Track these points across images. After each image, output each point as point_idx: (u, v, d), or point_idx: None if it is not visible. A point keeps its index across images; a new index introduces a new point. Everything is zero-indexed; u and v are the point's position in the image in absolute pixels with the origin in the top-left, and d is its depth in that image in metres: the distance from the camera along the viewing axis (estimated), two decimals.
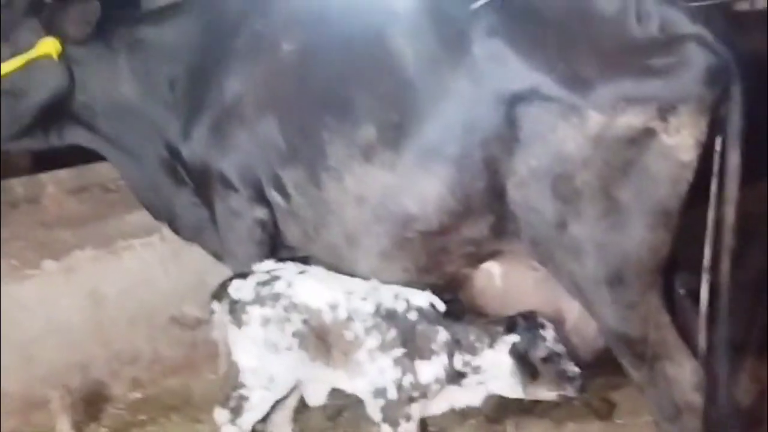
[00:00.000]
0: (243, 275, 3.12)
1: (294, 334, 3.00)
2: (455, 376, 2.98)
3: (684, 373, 2.80)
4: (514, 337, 2.92)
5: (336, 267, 3.19)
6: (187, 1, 3.60)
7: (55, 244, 4.05)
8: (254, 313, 3.02)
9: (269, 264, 3.17)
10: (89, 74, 3.47)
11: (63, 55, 3.37)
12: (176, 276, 4.11)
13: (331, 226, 3.13)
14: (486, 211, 2.85)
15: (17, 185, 4.41)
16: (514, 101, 2.71)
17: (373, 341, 2.97)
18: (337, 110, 3.02)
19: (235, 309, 3.05)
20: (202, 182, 3.39)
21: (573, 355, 2.98)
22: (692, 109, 2.57)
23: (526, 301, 3.05)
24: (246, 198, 3.27)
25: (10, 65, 3.30)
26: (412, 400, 2.98)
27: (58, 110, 3.47)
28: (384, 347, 2.96)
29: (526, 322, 2.95)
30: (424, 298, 3.01)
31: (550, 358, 2.91)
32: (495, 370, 2.95)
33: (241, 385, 3.05)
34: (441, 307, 2.99)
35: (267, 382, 3.04)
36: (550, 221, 2.76)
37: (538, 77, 2.67)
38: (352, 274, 3.15)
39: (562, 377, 2.92)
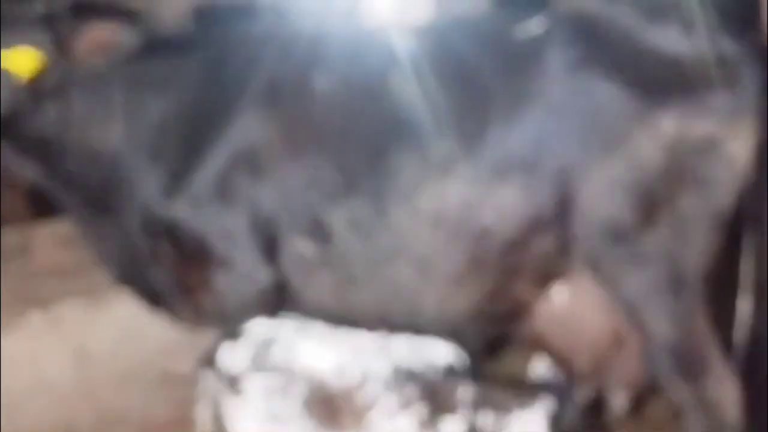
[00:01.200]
0: (232, 336, 2.96)
1: (302, 404, 2.85)
2: None
3: (726, 390, 2.82)
4: (550, 401, 2.87)
5: (385, 312, 3.04)
6: (189, 37, 3.42)
7: (42, 293, 3.97)
8: (254, 383, 2.87)
9: (261, 323, 2.98)
10: (70, 109, 3.12)
11: (39, 78, 3.00)
12: (168, 329, 3.82)
13: (395, 259, 2.96)
14: (556, 222, 2.82)
15: (8, 234, 4.32)
16: (591, 110, 2.74)
17: (390, 401, 2.83)
18: (407, 130, 2.91)
19: (232, 379, 2.90)
20: (197, 243, 3.14)
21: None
22: (753, 119, 2.69)
23: (587, 328, 3.01)
24: (256, 259, 3.07)
25: None
26: None
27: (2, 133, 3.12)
28: (403, 406, 2.82)
29: (552, 381, 2.95)
30: (444, 352, 2.92)
31: (579, 414, 2.94)
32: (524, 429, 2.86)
33: None
34: (463, 361, 2.91)
35: None
36: (619, 231, 2.76)
37: (614, 85, 2.72)
38: (409, 315, 3.02)
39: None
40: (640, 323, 2.86)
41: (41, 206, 4.22)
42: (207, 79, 3.18)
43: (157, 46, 3.24)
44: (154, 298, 3.35)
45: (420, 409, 2.83)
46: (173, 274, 3.21)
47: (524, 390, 2.90)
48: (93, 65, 3.03)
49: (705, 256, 2.80)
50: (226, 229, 3.07)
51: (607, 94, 2.73)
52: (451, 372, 2.90)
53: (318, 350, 2.91)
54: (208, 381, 2.93)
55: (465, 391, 2.85)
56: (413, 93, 2.91)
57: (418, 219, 2.90)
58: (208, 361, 2.95)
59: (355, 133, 3.00)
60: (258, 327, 2.96)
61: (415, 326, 3.08)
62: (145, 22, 3.05)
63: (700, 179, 2.73)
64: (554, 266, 2.92)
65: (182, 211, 3.10)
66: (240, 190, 3.04)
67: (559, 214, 2.81)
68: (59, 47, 2.99)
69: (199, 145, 3.09)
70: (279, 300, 3.09)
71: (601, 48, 2.78)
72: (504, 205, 2.82)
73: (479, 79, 2.89)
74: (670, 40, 2.75)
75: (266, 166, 3.03)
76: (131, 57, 3.10)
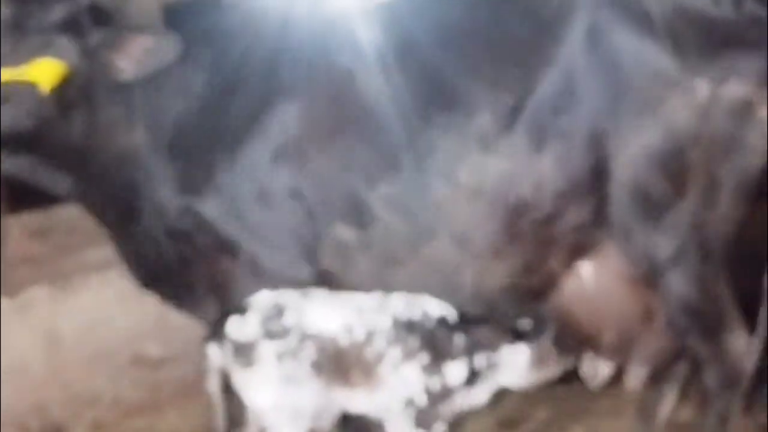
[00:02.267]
0: (239, 311, 2.92)
1: (312, 365, 2.85)
2: (474, 376, 2.95)
3: (740, 343, 2.95)
4: (526, 325, 2.97)
5: (423, 291, 3.00)
6: (198, 33, 3.18)
7: (12, 280, 3.93)
8: (266, 349, 2.84)
9: (266, 295, 2.96)
10: (93, 116, 3.03)
11: (63, 88, 2.90)
12: (136, 313, 3.99)
13: (435, 236, 2.94)
14: (591, 192, 2.82)
15: None
16: (623, 74, 2.72)
17: (395, 353, 2.88)
18: (445, 104, 2.88)
19: (243, 349, 2.85)
20: (229, 241, 3.07)
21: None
22: None
23: (614, 304, 3.05)
24: (295, 254, 3.02)
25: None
26: (441, 402, 2.93)
27: (31, 147, 3.02)
28: (407, 356, 2.87)
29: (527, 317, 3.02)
30: (436, 306, 2.95)
31: (557, 338, 2.99)
32: (511, 363, 2.97)
33: (263, 430, 2.86)
34: (452, 312, 2.96)
35: (292, 417, 2.85)
36: (651, 198, 2.79)
37: (647, 47, 2.70)
38: (447, 293, 3.00)
39: (565, 352, 3.02)
40: (666, 287, 2.90)
41: (13, 199, 4.22)
42: (225, 73, 3.08)
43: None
44: (180, 299, 3.31)
45: (422, 358, 2.89)
46: (203, 273, 3.14)
47: (506, 326, 2.98)
48: (114, 76, 2.93)
49: (731, 223, 2.83)
50: (263, 226, 3.01)
51: (640, 58, 2.71)
52: (444, 321, 2.94)
53: (325, 312, 2.90)
54: (216, 354, 2.90)
55: (459, 338, 2.92)
56: (447, 67, 2.90)
57: (459, 194, 2.89)
58: (214, 334, 2.91)
59: (391, 111, 2.92)
60: (264, 297, 2.95)
61: (452, 304, 3.06)
62: (115, 18, 2.94)
63: (732, 144, 2.72)
64: (587, 238, 2.92)
65: (216, 209, 3.02)
66: (279, 185, 2.98)
67: (594, 183, 2.81)
68: (90, 57, 2.91)
69: (229, 141, 3.01)
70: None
71: (632, 10, 2.74)
72: (541, 176, 2.81)
73: (509, 47, 2.86)
74: (701, 2, 2.74)
75: (303, 156, 2.97)
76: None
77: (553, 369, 3.05)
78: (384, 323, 2.90)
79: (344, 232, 2.98)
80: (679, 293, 2.91)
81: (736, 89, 2.67)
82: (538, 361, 2.98)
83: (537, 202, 2.83)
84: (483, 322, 3.00)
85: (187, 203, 3.04)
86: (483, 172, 2.86)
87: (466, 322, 2.97)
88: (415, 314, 2.94)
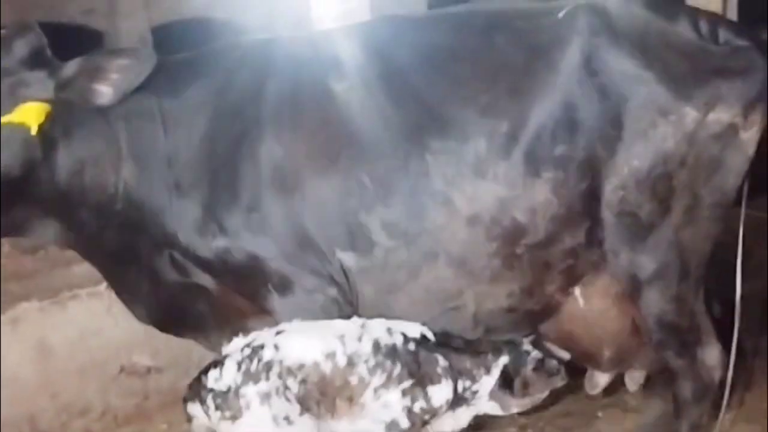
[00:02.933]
0: (214, 364, 2.87)
1: (299, 400, 2.80)
2: (457, 402, 2.98)
3: (713, 356, 3.10)
4: (504, 359, 3.01)
5: (423, 317, 3.04)
6: (189, 64, 3.19)
7: (3, 295, 3.96)
8: (250, 393, 2.77)
9: (238, 341, 2.91)
10: (77, 153, 2.94)
11: (45, 128, 2.84)
12: (124, 325, 4.00)
13: (434, 260, 2.95)
14: (584, 216, 2.91)
15: None
16: (617, 100, 2.80)
17: (378, 380, 2.86)
18: (439, 129, 2.88)
19: (226, 400, 2.77)
20: (247, 276, 3.01)
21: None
22: (764, 107, 2.80)
23: (610, 323, 3.15)
24: (313, 279, 2.98)
25: None
26: (424, 423, 2.95)
27: (20, 196, 2.90)
28: (390, 383, 2.87)
29: (507, 344, 3.06)
30: (415, 330, 2.96)
31: (537, 366, 3.05)
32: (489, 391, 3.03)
33: None
34: (431, 336, 2.98)
35: None
36: (638, 219, 2.89)
37: (640, 76, 2.78)
38: (447, 318, 3.06)
39: (551, 375, 3.07)
40: (645, 304, 3.01)
41: None
42: (216, 104, 3.03)
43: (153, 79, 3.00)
44: (191, 332, 3.29)
45: (404, 382, 2.87)
46: (217, 304, 3.11)
47: (486, 357, 3.02)
48: (95, 102, 2.88)
49: (708, 242, 2.96)
50: (278, 253, 2.95)
51: (634, 86, 2.78)
52: (424, 344, 2.94)
53: (304, 341, 2.85)
54: (198, 413, 2.84)
55: (443, 361, 2.93)
56: (441, 92, 2.92)
57: (455, 220, 2.90)
58: (195, 394, 2.85)
59: (384, 136, 2.93)
60: (237, 343, 2.90)
61: (453, 328, 3.11)
62: (105, 41, 3.02)
63: (714, 165, 2.81)
64: (582, 261, 2.99)
65: (229, 241, 2.96)
66: (279, 213, 2.94)
67: (587, 208, 2.88)
68: (65, 87, 2.85)
69: (228, 174, 2.96)
70: (346, 307, 3.04)
71: (626, 39, 2.81)
72: (537, 201, 2.86)
73: (503, 73, 2.89)
74: (687, 33, 2.84)
75: (299, 184, 2.93)
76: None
77: (538, 394, 3.09)
78: (365, 349, 2.86)
79: (345, 260, 2.97)
80: (657, 310, 3.02)
81: (721, 115, 2.78)
82: (521, 391, 3.03)
83: (532, 228, 2.89)
84: (463, 352, 3.02)
85: (204, 236, 2.98)
86: (479, 198, 2.87)
87: (446, 349, 2.99)
88: (396, 339, 2.91)
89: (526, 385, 3.04)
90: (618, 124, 2.79)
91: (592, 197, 2.87)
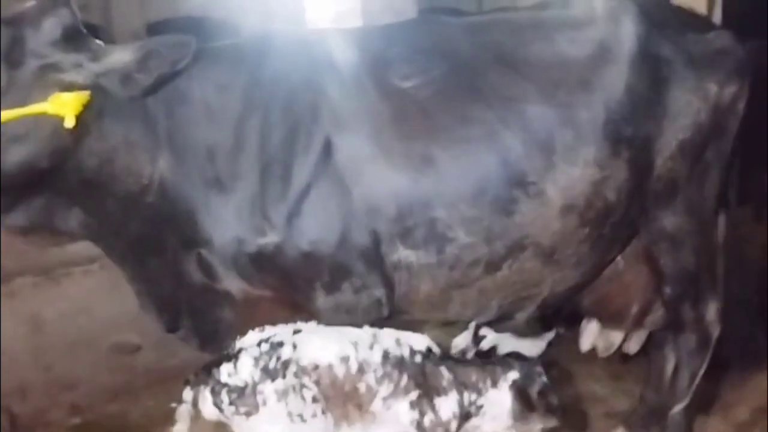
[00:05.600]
0: (227, 358, 2.79)
1: (314, 399, 2.75)
2: (464, 415, 2.92)
3: (713, 311, 3.40)
4: (514, 374, 2.94)
5: (493, 303, 3.09)
6: (231, 53, 3.06)
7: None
8: (267, 390, 2.71)
9: (254, 335, 2.83)
10: (110, 140, 2.74)
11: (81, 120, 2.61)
12: (116, 303, 4.06)
13: (519, 253, 2.96)
14: (643, 188, 3.14)
15: None
16: (661, 82, 3.08)
17: (385, 390, 2.82)
18: (521, 125, 2.91)
19: (243, 396, 2.71)
20: (294, 275, 2.88)
21: None
22: (749, 80, 3.20)
23: (637, 282, 3.38)
24: (365, 276, 2.89)
25: (9, 114, 2.51)
26: None
27: (46, 185, 2.73)
28: (397, 394, 2.82)
29: (518, 360, 3.01)
30: (422, 342, 2.94)
31: (543, 391, 2.97)
32: (496, 409, 2.95)
33: None
34: (437, 349, 2.97)
35: None
36: (675, 184, 3.16)
37: (674, 60, 3.10)
38: (511, 306, 3.13)
39: (551, 409, 2.98)
40: (671, 258, 3.28)
41: None
42: (265, 95, 2.88)
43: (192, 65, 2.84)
44: (207, 336, 3.11)
45: (411, 394, 2.83)
46: (238, 312, 2.97)
47: (494, 369, 2.95)
48: (133, 93, 2.70)
49: (717, 199, 3.29)
50: (332, 250, 2.84)
51: (671, 70, 3.08)
52: (430, 356, 2.90)
53: (321, 342, 2.80)
54: (207, 403, 2.76)
55: (447, 373, 2.88)
56: (518, 90, 2.96)
57: (548, 210, 2.93)
58: (200, 383, 2.77)
59: (462, 134, 2.89)
60: (253, 338, 2.82)
61: (511, 313, 3.22)
62: (101, 36, 2.95)
63: (722, 131, 3.18)
64: (635, 229, 3.25)
65: (279, 238, 2.81)
66: (337, 208, 2.83)
67: (645, 181, 3.13)
68: (103, 73, 2.67)
69: (280, 167, 2.82)
70: (385, 309, 2.98)
71: (660, 31, 3.11)
72: (621, 180, 3.02)
73: (572, 68, 3.01)
74: (695, 31, 3.21)
75: (362, 179, 2.84)
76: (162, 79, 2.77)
77: (536, 424, 2.99)
78: (375, 358, 2.82)
79: (407, 255, 2.91)
80: (682, 262, 3.29)
81: (731, 88, 3.15)
82: (521, 412, 2.94)
83: (618, 205, 3.07)
84: (469, 365, 2.99)
85: (256, 234, 2.82)
86: (572, 185, 2.95)
87: (451, 362, 2.97)
88: (404, 351, 2.87)
89: (531, 408, 2.93)
90: (663, 103, 3.09)
91: (648, 170, 3.12)
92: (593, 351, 4.17)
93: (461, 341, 3.85)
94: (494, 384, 2.93)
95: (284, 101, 2.87)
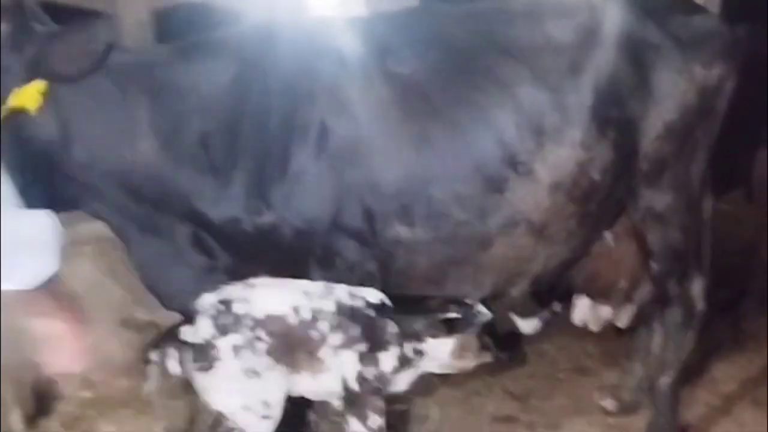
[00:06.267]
0: (188, 321, 2.90)
1: (268, 353, 2.86)
2: (404, 364, 3.05)
3: (698, 288, 3.59)
4: (453, 316, 3.07)
5: (488, 279, 3.22)
6: (223, 39, 3.18)
7: None
8: (222, 345, 2.81)
9: (209, 296, 2.91)
10: (92, 125, 2.89)
11: (50, 103, 2.77)
12: (126, 281, 4.18)
13: (512, 229, 3.10)
14: (629, 167, 3.28)
15: None
16: (647, 65, 3.20)
17: (337, 338, 2.93)
18: (514, 105, 3.05)
19: (201, 351, 2.82)
20: (290, 252, 2.99)
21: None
22: (736, 62, 3.34)
23: (625, 258, 3.57)
24: (357, 251, 3.00)
25: None
26: (377, 391, 2.99)
27: (47, 172, 2.90)
28: (347, 343, 2.93)
29: (458, 305, 3.12)
30: (376, 295, 3.02)
31: (481, 332, 3.12)
32: (435, 352, 3.09)
33: (237, 429, 2.87)
34: (389, 302, 3.04)
35: (263, 410, 2.86)
36: (664, 164, 3.30)
37: (661, 44, 3.22)
38: (506, 281, 3.27)
39: (486, 347, 3.15)
40: (659, 235, 3.42)
41: None
42: (259, 83, 2.98)
43: (173, 51, 3.10)
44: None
45: (360, 346, 2.94)
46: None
47: (436, 316, 3.04)
48: (63, 81, 2.80)
49: (704, 178, 3.42)
50: (328, 225, 2.96)
51: (657, 54, 3.20)
52: (382, 310, 2.97)
53: (273, 294, 2.89)
54: (172, 361, 2.89)
55: (393, 327, 2.97)
56: (510, 73, 3.10)
57: (537, 188, 3.08)
58: (165, 343, 2.90)
59: (458, 115, 3.03)
60: (209, 297, 2.91)
61: (507, 289, 3.34)
62: (107, 24, 2.86)
63: (709, 111, 3.31)
64: (622, 207, 3.40)
65: (276, 217, 2.93)
66: (332, 186, 2.94)
67: (632, 160, 3.27)
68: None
69: (277, 149, 2.93)
70: (378, 283, 3.06)
71: (647, 17, 3.23)
72: (606, 160, 3.16)
73: (562, 53, 3.14)
74: (682, 14, 3.34)
75: (357, 158, 2.95)
76: (148, 65, 2.98)
77: (471, 361, 3.16)
78: (328, 308, 2.91)
79: (402, 231, 3.02)
80: (669, 239, 3.44)
81: (717, 70, 3.28)
82: (459, 352, 3.09)
83: (604, 184, 3.20)
84: (414, 313, 3.07)
85: (249, 212, 2.94)
86: (560, 164, 3.09)
87: (400, 315, 3.02)
88: (357, 303, 2.96)
89: (463, 350, 3.08)
90: (649, 85, 3.20)
91: (634, 151, 3.25)
92: (586, 328, 4.35)
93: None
94: (434, 330, 3.05)
95: (280, 88, 2.98)
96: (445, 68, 3.10)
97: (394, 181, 2.98)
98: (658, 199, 3.37)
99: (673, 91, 3.23)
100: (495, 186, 3.05)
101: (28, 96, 2.74)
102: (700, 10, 3.51)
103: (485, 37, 3.17)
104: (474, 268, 3.18)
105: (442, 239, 3.06)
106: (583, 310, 4.05)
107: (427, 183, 3.00)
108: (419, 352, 3.07)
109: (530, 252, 3.21)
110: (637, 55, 3.19)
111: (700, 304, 3.61)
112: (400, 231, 3.03)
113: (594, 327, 3.98)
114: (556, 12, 3.24)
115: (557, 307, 4.53)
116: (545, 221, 3.14)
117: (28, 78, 2.78)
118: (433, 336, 3.06)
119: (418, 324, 3.05)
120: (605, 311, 3.90)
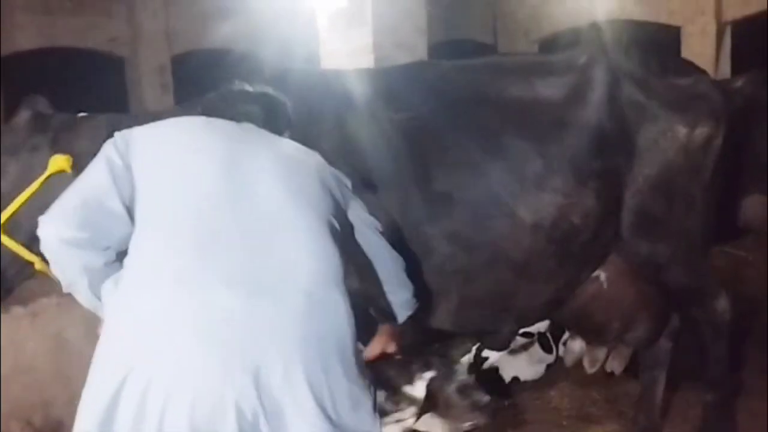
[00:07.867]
0: None
1: None
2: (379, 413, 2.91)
3: (722, 303, 3.70)
4: (430, 373, 3.11)
5: (474, 313, 3.35)
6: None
7: (23, 292, 4.08)
8: None
9: None
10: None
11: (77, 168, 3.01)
12: None
13: (494, 265, 3.27)
14: (614, 215, 3.42)
15: None
16: (631, 124, 3.38)
17: None
18: (502, 154, 3.28)
19: None
20: None
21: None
22: (725, 120, 3.50)
23: (619, 299, 3.64)
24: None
25: (27, 192, 3.10)
26: None
27: None
28: None
29: (440, 359, 3.17)
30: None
31: (463, 390, 3.16)
32: (414, 407, 3.08)
33: None
34: (362, 347, 2.93)
35: None
36: (651, 217, 3.43)
37: (646, 105, 3.40)
38: (492, 318, 3.39)
39: (475, 407, 3.16)
40: (668, 280, 3.58)
41: None
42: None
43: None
44: None
45: None
46: None
47: (412, 368, 3.08)
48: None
49: (703, 222, 3.55)
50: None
51: (641, 114, 3.37)
52: None
53: None
54: None
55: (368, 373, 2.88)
56: (500, 125, 3.32)
57: (519, 228, 3.26)
58: None
59: (448, 159, 3.25)
60: None
61: (492, 326, 3.43)
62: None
63: (699, 166, 3.45)
64: (608, 250, 3.51)
65: None
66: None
67: (616, 209, 3.41)
68: (53, 147, 3.18)
69: None
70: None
71: (632, 80, 3.42)
72: (587, 206, 3.33)
73: (548, 108, 3.35)
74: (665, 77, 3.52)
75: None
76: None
77: (461, 421, 3.13)
78: None
79: None
80: (678, 282, 3.60)
81: (704, 129, 3.44)
82: (442, 408, 3.10)
83: (585, 228, 3.35)
84: (390, 363, 3.04)
85: None
86: (541, 207, 3.28)
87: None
88: None
89: (447, 405, 3.10)
90: (633, 142, 3.37)
91: (618, 200, 3.40)
92: (593, 376, 4.35)
93: (465, 362, 4.04)
94: (410, 381, 3.10)
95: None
96: (438, 117, 3.31)
97: (386, 218, 3.00)
98: (659, 251, 3.49)
99: (654, 148, 3.39)
100: (480, 224, 3.23)
101: (62, 162, 3.15)
102: (691, 71, 3.71)
103: (477, 90, 3.40)
104: (460, 300, 3.31)
105: (431, 271, 3.18)
106: (576, 352, 4.08)
107: (417, 219, 3.18)
108: (396, 402, 3.10)
109: (512, 288, 3.35)
110: (621, 114, 3.38)
111: (726, 316, 3.73)
112: None
113: (589, 369, 4.00)
114: (545, 70, 3.47)
115: (562, 354, 4.56)
116: (526, 259, 3.29)
117: (52, 152, 3.17)
118: (408, 383, 3.09)
119: (392, 372, 3.11)
120: (600, 353, 3.92)
